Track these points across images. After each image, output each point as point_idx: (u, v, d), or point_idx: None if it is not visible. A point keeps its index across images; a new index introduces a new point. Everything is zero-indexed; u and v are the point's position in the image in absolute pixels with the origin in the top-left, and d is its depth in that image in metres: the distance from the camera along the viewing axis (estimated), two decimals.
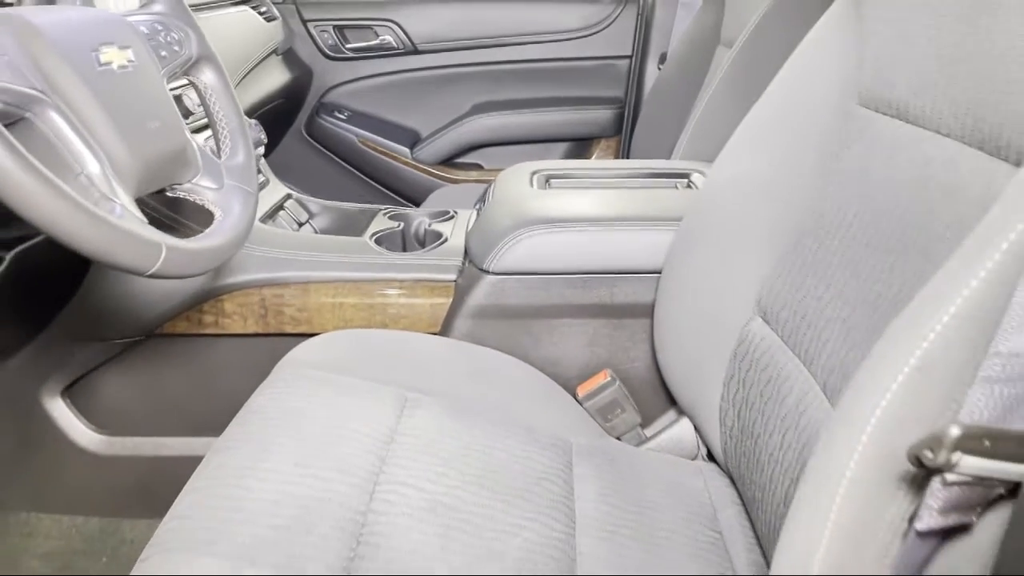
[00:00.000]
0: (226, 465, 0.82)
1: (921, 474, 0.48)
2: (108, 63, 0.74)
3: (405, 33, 2.25)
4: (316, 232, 1.43)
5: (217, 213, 0.83)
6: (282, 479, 0.80)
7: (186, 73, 0.91)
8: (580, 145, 2.34)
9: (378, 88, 2.30)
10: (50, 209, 0.60)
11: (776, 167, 0.92)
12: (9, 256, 0.89)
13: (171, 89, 0.85)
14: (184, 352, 1.19)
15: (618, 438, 1.10)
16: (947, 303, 0.49)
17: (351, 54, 2.27)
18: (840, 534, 0.53)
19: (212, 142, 0.95)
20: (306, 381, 0.96)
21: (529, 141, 2.28)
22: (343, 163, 2.32)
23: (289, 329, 1.16)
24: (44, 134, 0.67)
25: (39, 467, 1.22)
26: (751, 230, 0.94)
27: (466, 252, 1.19)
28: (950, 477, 0.45)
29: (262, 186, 1.40)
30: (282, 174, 1.56)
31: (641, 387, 1.13)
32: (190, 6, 0.94)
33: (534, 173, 1.28)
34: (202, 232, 0.82)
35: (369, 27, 2.25)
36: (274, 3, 2.07)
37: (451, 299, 1.16)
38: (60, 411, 1.20)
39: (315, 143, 2.31)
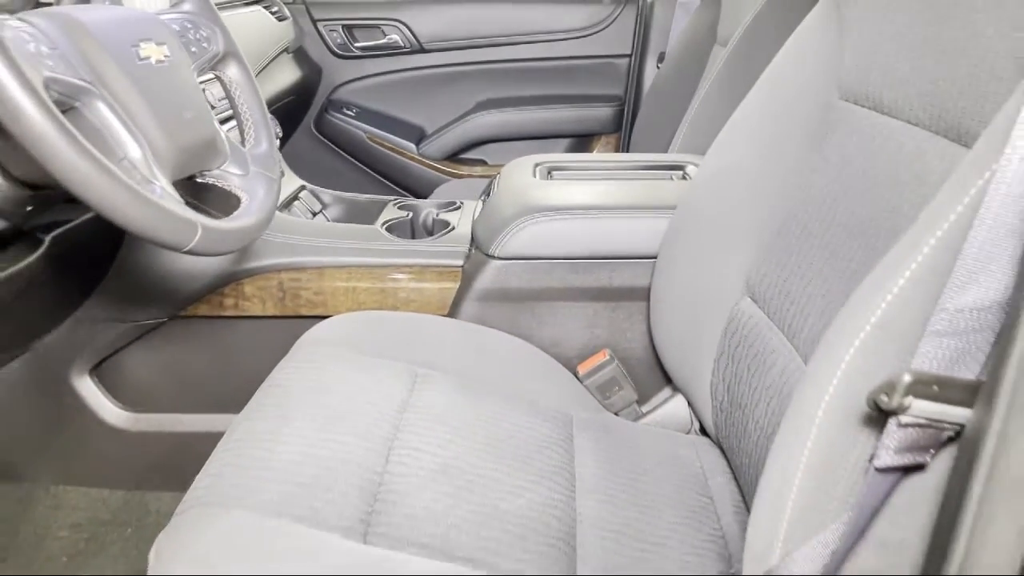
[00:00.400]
0: (253, 431, 0.89)
1: (880, 418, 0.54)
2: (147, 58, 0.80)
3: (412, 32, 2.30)
4: (329, 221, 1.49)
5: (244, 197, 0.90)
6: (304, 443, 0.86)
7: (213, 68, 0.97)
8: (581, 141, 2.39)
9: (385, 86, 2.35)
10: (101, 189, 0.67)
11: (763, 157, 0.98)
12: (48, 239, 0.95)
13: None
14: (206, 333, 1.25)
15: (616, 414, 1.17)
16: (903, 268, 0.56)
17: (359, 53, 2.32)
18: (811, 474, 0.60)
19: (234, 133, 1.02)
20: (323, 358, 1.02)
21: (532, 137, 2.33)
22: (351, 158, 2.37)
23: (305, 311, 1.22)
24: (92, 122, 0.73)
25: (68, 442, 1.28)
26: (740, 216, 1.00)
27: (473, 239, 1.25)
28: (904, 419, 0.52)
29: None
30: (293, 168, 1.62)
31: (638, 366, 1.19)
32: None
33: (537, 165, 1.34)
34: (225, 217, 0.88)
35: (377, 26, 2.30)
36: (285, 3, 2.12)
37: (458, 283, 1.22)
38: (88, 389, 1.25)
39: (324, 139, 2.36)
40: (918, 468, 0.56)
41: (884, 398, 0.51)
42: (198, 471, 0.81)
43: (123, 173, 0.71)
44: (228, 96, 0.99)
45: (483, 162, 2.38)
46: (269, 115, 1.27)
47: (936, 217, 0.55)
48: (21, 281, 0.94)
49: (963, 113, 0.68)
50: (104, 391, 1.27)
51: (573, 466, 0.95)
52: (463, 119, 2.35)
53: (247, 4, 1.84)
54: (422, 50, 2.33)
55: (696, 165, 1.36)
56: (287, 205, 1.42)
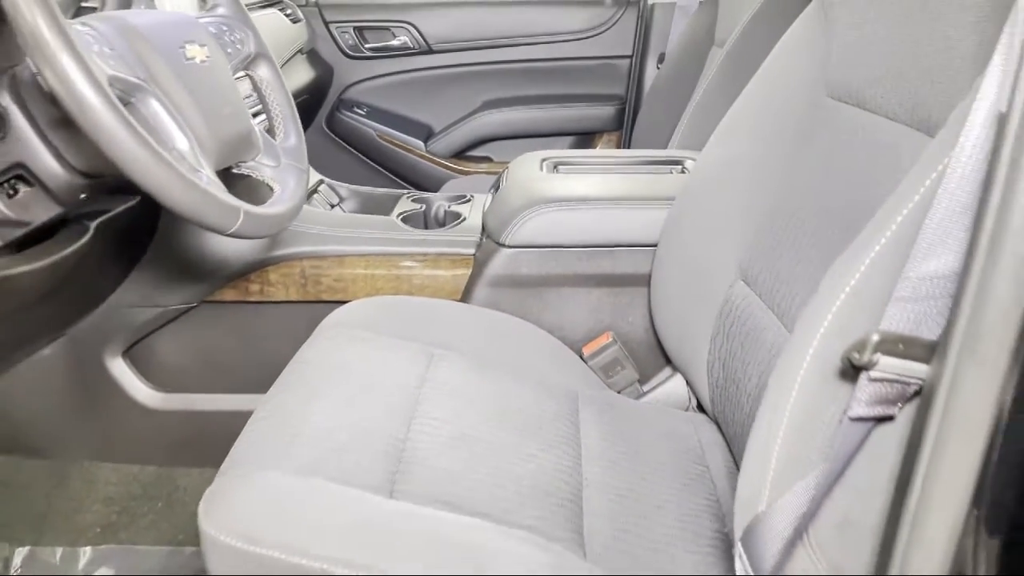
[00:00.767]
0: (284, 403, 0.96)
1: (853, 374, 0.61)
2: (192, 58, 0.88)
3: (420, 34, 2.37)
4: (346, 213, 1.56)
5: (276, 187, 0.97)
6: (332, 413, 0.94)
7: (245, 68, 1.05)
8: (584, 139, 2.46)
9: (395, 85, 2.42)
10: (158, 176, 0.74)
11: (756, 152, 1.06)
12: (93, 226, 1.02)
13: None
14: (232, 317, 1.32)
15: (619, 392, 1.24)
16: (874, 244, 0.63)
17: (369, 53, 2.40)
18: (793, 428, 0.67)
19: (263, 128, 1.09)
20: (345, 339, 1.10)
21: (536, 135, 2.40)
22: (362, 156, 2.44)
23: (326, 297, 1.30)
24: (145, 116, 0.81)
25: (101, 421, 1.35)
26: (734, 207, 1.07)
27: (483, 228, 1.33)
28: (873, 374, 0.59)
29: None
30: None
31: (639, 347, 1.27)
32: None
33: (543, 160, 1.42)
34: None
35: (387, 28, 2.37)
36: (299, 5, 2.20)
37: (470, 270, 1.29)
38: (121, 370, 1.33)
39: (336, 137, 2.43)
40: (888, 420, 0.64)
41: (856, 355, 0.59)
42: (225, 448, 0.87)
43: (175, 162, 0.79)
44: (259, 94, 1.06)
45: (488, 159, 2.45)
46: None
47: (902, 198, 0.63)
48: (68, 266, 1.01)
49: (931, 108, 0.75)
50: (136, 372, 1.34)
51: (579, 437, 1.02)
52: (469, 118, 2.42)
53: (263, 7, 1.92)
54: (430, 51, 2.40)
55: (694, 160, 1.43)
56: (307, 198, 1.49)
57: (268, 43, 1.09)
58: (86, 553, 1.34)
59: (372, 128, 2.42)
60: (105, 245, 1.09)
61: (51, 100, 0.81)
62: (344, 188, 1.60)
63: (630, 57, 2.39)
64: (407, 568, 0.73)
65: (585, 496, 0.92)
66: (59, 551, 1.34)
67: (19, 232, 0.90)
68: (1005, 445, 0.52)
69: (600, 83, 2.42)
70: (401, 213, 1.43)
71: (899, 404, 0.63)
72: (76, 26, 0.76)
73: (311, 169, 1.60)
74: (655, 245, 1.20)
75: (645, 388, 1.25)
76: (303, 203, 0.99)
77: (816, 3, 1.01)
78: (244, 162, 0.97)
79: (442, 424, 0.95)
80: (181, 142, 0.83)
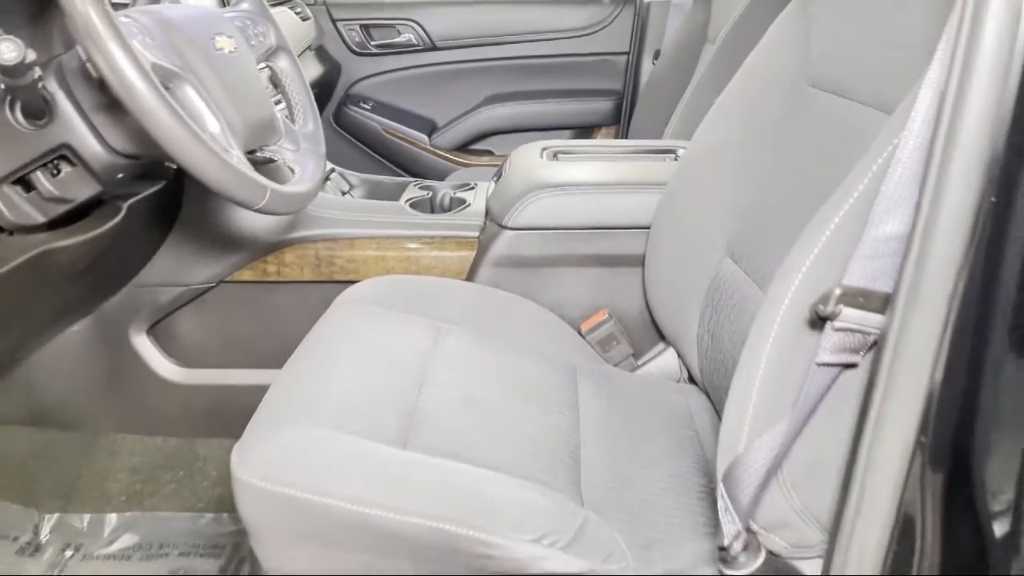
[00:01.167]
0: (304, 370, 1.04)
1: (820, 324, 0.69)
2: (221, 48, 0.96)
3: (425, 31, 2.45)
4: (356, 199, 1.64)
5: (297, 170, 1.05)
6: (348, 378, 1.01)
7: (267, 59, 1.13)
8: (583, 133, 2.53)
9: (400, 81, 2.49)
10: (196, 155, 0.82)
11: (741, 137, 1.13)
12: (125, 206, 1.10)
13: None
14: (250, 296, 1.39)
15: (615, 366, 1.32)
16: (839, 209, 0.71)
17: (376, 50, 2.47)
18: (768, 376, 0.75)
19: (283, 115, 1.17)
20: (358, 315, 1.17)
21: (536, 129, 2.47)
22: (368, 149, 2.51)
23: (339, 277, 1.37)
24: (181, 101, 0.89)
25: (126, 395, 1.42)
26: (722, 189, 1.15)
27: (487, 212, 1.40)
28: (837, 324, 0.67)
29: None
30: None
31: (634, 323, 1.34)
32: None
33: (544, 149, 1.49)
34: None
35: (392, 26, 2.45)
36: (307, 4, 2.27)
37: (475, 252, 1.37)
38: (145, 346, 1.40)
39: (343, 131, 2.50)
40: (852, 367, 0.71)
41: (821, 307, 0.66)
42: (243, 420, 0.92)
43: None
44: (279, 84, 1.14)
45: (490, 152, 2.52)
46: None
47: (863, 170, 0.71)
48: (103, 244, 1.08)
49: (893, 92, 0.83)
50: (159, 349, 1.42)
51: (577, 404, 1.10)
52: (472, 112, 2.50)
53: (274, 5, 1.99)
54: (434, 48, 2.47)
55: (686, 149, 1.50)
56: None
57: None
58: (112, 520, 1.42)
59: (378, 122, 2.49)
60: (135, 225, 1.16)
61: (95, 86, 0.88)
62: (354, 176, 1.68)
63: (627, 54, 2.47)
64: (420, 508, 0.81)
65: (583, 454, 1.00)
66: (86, 518, 1.42)
67: (61, 209, 0.98)
68: (946, 382, 0.60)
69: (598, 79, 2.49)
70: (409, 199, 1.51)
71: (861, 353, 0.70)
72: (120, 18, 0.83)
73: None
74: (648, 227, 1.28)
75: (639, 362, 1.33)
76: (321, 185, 1.07)
77: (797, 1, 1.09)
78: (267, 146, 1.05)
79: (450, 389, 1.03)
80: (213, 125, 0.91)
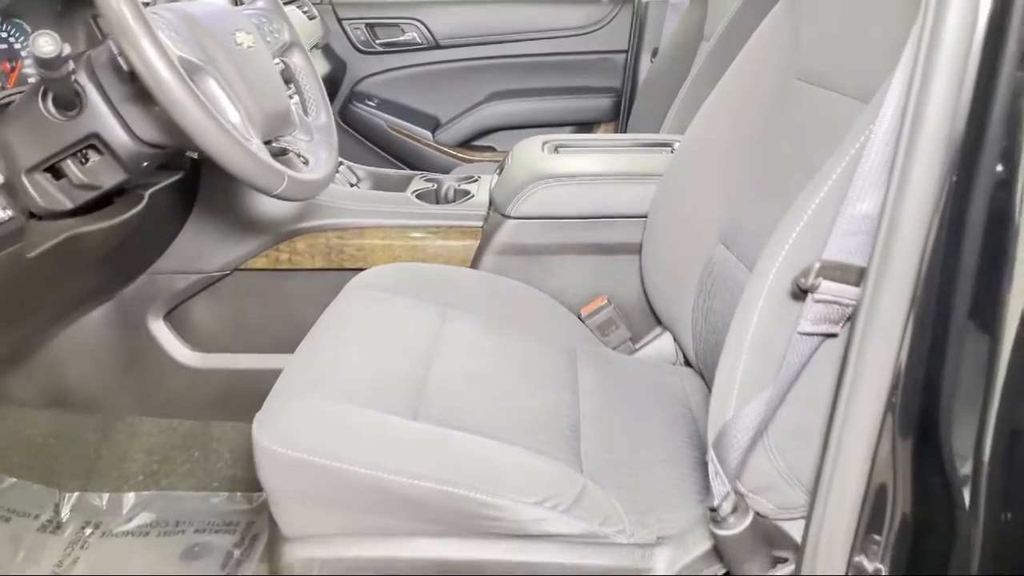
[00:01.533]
0: (319, 349, 1.09)
1: (802, 296, 0.74)
2: (241, 44, 1.01)
3: (428, 30, 2.50)
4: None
5: (311, 159, 1.11)
6: (361, 355, 1.07)
7: (281, 55, 1.18)
8: (583, 129, 2.58)
9: (404, 78, 2.54)
10: (220, 143, 0.88)
11: (733, 129, 1.19)
12: (147, 195, 1.16)
13: None
14: (263, 284, 1.45)
15: (613, 349, 1.37)
16: (819, 191, 0.77)
17: (380, 49, 2.52)
18: (754, 347, 0.80)
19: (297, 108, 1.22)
20: (368, 299, 1.23)
21: (537, 125, 2.51)
22: (373, 145, 2.56)
23: (349, 265, 1.43)
24: (204, 92, 0.94)
25: (143, 378, 1.48)
26: (714, 179, 1.20)
27: (490, 203, 1.46)
28: (816, 296, 0.72)
29: None
30: None
31: (632, 309, 1.39)
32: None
33: (545, 143, 1.55)
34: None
35: (397, 25, 2.50)
36: (314, 3, 2.32)
37: (479, 240, 1.42)
38: (162, 332, 1.45)
39: (348, 127, 2.55)
40: (831, 336, 0.77)
41: (803, 280, 0.72)
42: (255, 403, 0.96)
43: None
44: (293, 78, 1.20)
45: (492, 148, 2.58)
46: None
47: (842, 155, 0.77)
48: (125, 230, 1.14)
49: (872, 84, 0.88)
50: (175, 334, 1.47)
51: (577, 383, 1.15)
52: (474, 109, 2.55)
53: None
54: (438, 46, 2.52)
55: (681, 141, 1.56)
56: None
57: None
58: (130, 498, 1.48)
59: (383, 119, 2.54)
60: (154, 214, 1.22)
61: (124, 79, 0.94)
62: (361, 170, 1.74)
63: (626, 52, 2.52)
64: (429, 472, 0.86)
65: (582, 429, 1.05)
66: (105, 496, 1.47)
67: (88, 196, 1.03)
68: (914, 347, 0.65)
69: (598, 76, 2.54)
70: (415, 191, 1.57)
71: (840, 324, 0.76)
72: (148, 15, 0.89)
73: None
74: (645, 216, 1.33)
75: (637, 345, 1.38)
76: (334, 174, 1.12)
77: (785, 0, 1.14)
78: (283, 136, 1.10)
79: (457, 367, 1.08)
80: (233, 115, 0.96)
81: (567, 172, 1.37)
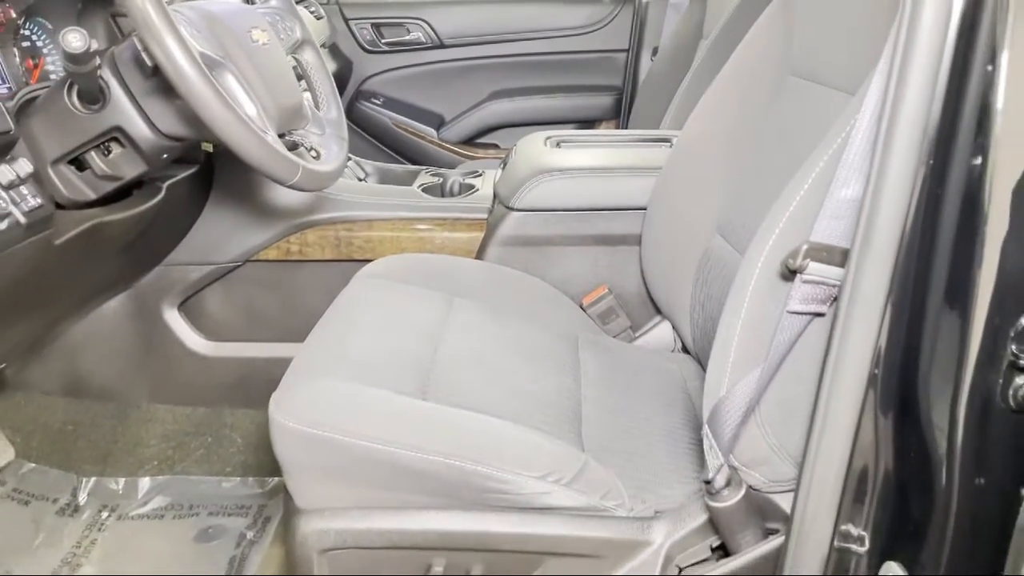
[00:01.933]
0: (330, 332, 1.13)
1: (791, 277, 0.79)
2: (257, 41, 1.06)
3: (433, 30, 2.54)
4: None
5: (323, 152, 1.15)
6: (370, 341, 1.11)
7: (294, 52, 1.23)
8: (584, 127, 2.62)
9: (409, 77, 2.59)
10: (238, 134, 0.92)
11: (729, 123, 1.23)
12: (165, 187, 1.20)
13: None
14: (274, 274, 1.49)
15: (614, 338, 1.41)
16: (807, 178, 0.81)
17: (386, 48, 2.56)
18: (747, 327, 0.85)
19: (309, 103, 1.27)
20: (377, 287, 1.27)
21: (540, 123, 2.55)
22: (378, 143, 2.61)
23: (357, 256, 1.47)
24: (223, 87, 0.99)
25: (158, 367, 1.52)
26: (711, 171, 1.24)
27: (495, 196, 1.50)
28: (804, 276, 0.77)
29: None
30: None
31: (631, 298, 1.44)
32: None
33: (547, 138, 1.59)
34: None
35: (402, 24, 2.55)
36: (321, 3, 2.37)
37: (483, 232, 1.47)
38: (176, 321, 1.50)
39: (354, 125, 2.59)
40: (819, 315, 0.81)
41: (791, 261, 0.76)
42: (267, 390, 0.99)
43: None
44: (305, 74, 1.24)
45: (496, 146, 2.62)
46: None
47: (829, 142, 0.81)
48: (145, 220, 1.19)
49: (859, 77, 0.93)
50: (189, 324, 1.52)
51: (579, 368, 1.20)
52: (478, 107, 2.60)
53: None
54: (442, 45, 2.56)
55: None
56: None
57: None
58: (145, 483, 1.52)
59: (388, 117, 2.59)
60: (171, 206, 1.26)
61: (146, 74, 0.99)
62: (369, 165, 1.78)
63: (627, 51, 2.56)
64: (437, 447, 0.90)
65: (583, 411, 1.09)
66: (122, 481, 1.52)
67: (110, 186, 1.08)
68: (894, 323, 0.70)
69: (599, 74, 2.58)
70: (421, 185, 1.61)
71: (827, 304, 0.80)
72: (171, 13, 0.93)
73: None
74: (645, 208, 1.37)
75: (636, 334, 1.42)
76: (344, 166, 1.17)
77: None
78: (296, 129, 1.15)
79: (463, 352, 1.13)
80: (250, 108, 1.01)
81: (569, 166, 1.41)
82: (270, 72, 1.06)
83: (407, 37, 2.56)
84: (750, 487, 0.89)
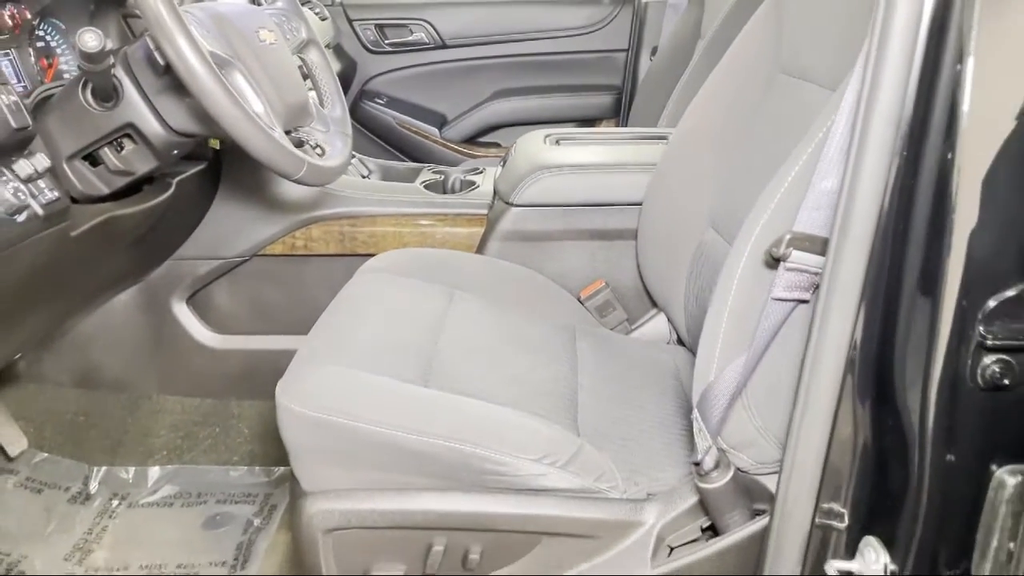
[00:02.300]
0: (335, 322, 1.17)
1: (775, 265, 0.82)
2: (264, 40, 1.10)
3: (435, 30, 2.58)
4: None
5: (327, 148, 1.19)
6: (374, 330, 1.15)
7: (299, 52, 1.27)
8: (584, 126, 2.65)
9: (412, 77, 2.63)
10: (247, 130, 0.96)
11: (722, 120, 1.27)
12: (175, 182, 1.24)
13: None
14: (280, 269, 1.53)
15: (611, 330, 1.45)
16: (792, 169, 0.85)
17: (389, 48, 2.60)
18: (734, 314, 0.88)
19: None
20: (380, 280, 1.31)
21: (541, 122, 2.58)
22: (382, 142, 2.65)
23: (361, 251, 1.51)
24: (231, 85, 1.03)
25: (167, 359, 1.56)
26: (705, 167, 1.28)
27: (495, 192, 1.54)
28: (788, 265, 0.80)
29: None
30: None
31: (628, 292, 1.47)
32: None
33: (547, 136, 1.63)
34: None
35: (405, 25, 2.59)
36: (325, 5, 2.41)
37: (484, 227, 1.51)
38: (184, 315, 1.54)
39: (358, 125, 2.62)
40: (803, 302, 0.84)
41: (775, 250, 0.80)
42: (272, 382, 1.02)
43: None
44: (310, 73, 1.28)
45: (497, 145, 2.66)
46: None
47: (812, 136, 0.85)
48: (156, 215, 1.23)
49: (843, 74, 0.96)
50: (197, 317, 1.56)
51: (576, 358, 1.23)
52: (480, 106, 2.64)
53: None
54: (444, 46, 2.60)
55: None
56: None
57: None
58: (155, 472, 1.57)
59: (391, 116, 2.63)
60: (181, 200, 1.30)
61: (158, 73, 1.02)
62: (372, 162, 1.82)
63: (626, 51, 2.60)
64: (438, 430, 0.94)
65: (579, 399, 1.13)
66: (132, 470, 1.56)
67: (122, 181, 1.12)
68: (870, 308, 0.73)
69: (599, 74, 2.62)
70: (423, 181, 1.65)
71: (810, 291, 0.84)
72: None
73: None
74: (641, 203, 1.40)
75: (633, 326, 1.46)
76: (348, 162, 1.21)
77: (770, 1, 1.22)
78: (301, 127, 1.19)
79: (463, 341, 1.17)
80: (258, 106, 1.04)
81: (567, 162, 1.45)
82: (277, 71, 1.10)
83: (410, 38, 2.60)
84: (738, 469, 0.93)
